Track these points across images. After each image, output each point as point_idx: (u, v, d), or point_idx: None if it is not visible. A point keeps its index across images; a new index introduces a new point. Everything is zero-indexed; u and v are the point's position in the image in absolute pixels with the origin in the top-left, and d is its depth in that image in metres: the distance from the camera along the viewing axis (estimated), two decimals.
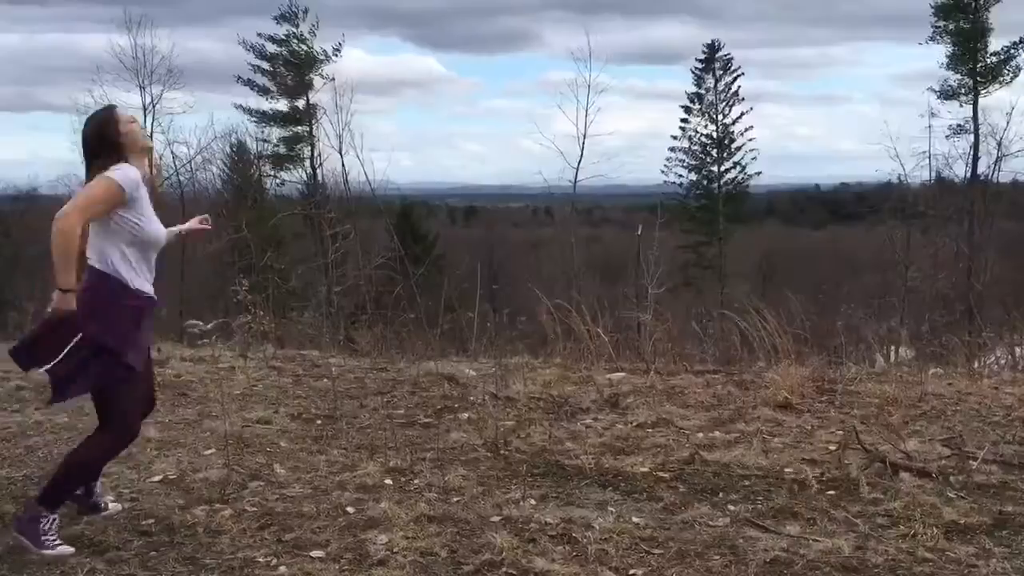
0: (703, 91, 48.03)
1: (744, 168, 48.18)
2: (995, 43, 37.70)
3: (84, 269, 3.75)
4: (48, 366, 3.62)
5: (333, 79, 34.93)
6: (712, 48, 48.19)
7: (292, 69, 37.68)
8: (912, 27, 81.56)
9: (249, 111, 37.87)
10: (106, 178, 3.63)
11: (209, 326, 8.78)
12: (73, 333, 3.59)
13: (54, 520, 3.72)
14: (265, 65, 38.21)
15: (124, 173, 3.66)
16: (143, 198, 3.75)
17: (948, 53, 37.61)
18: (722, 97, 47.97)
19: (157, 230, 3.83)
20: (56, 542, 3.68)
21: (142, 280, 3.79)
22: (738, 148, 48.03)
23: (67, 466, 3.80)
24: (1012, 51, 37.51)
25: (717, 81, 47.95)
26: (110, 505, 4.16)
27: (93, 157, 3.77)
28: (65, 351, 3.59)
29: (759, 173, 48.65)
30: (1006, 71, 37.52)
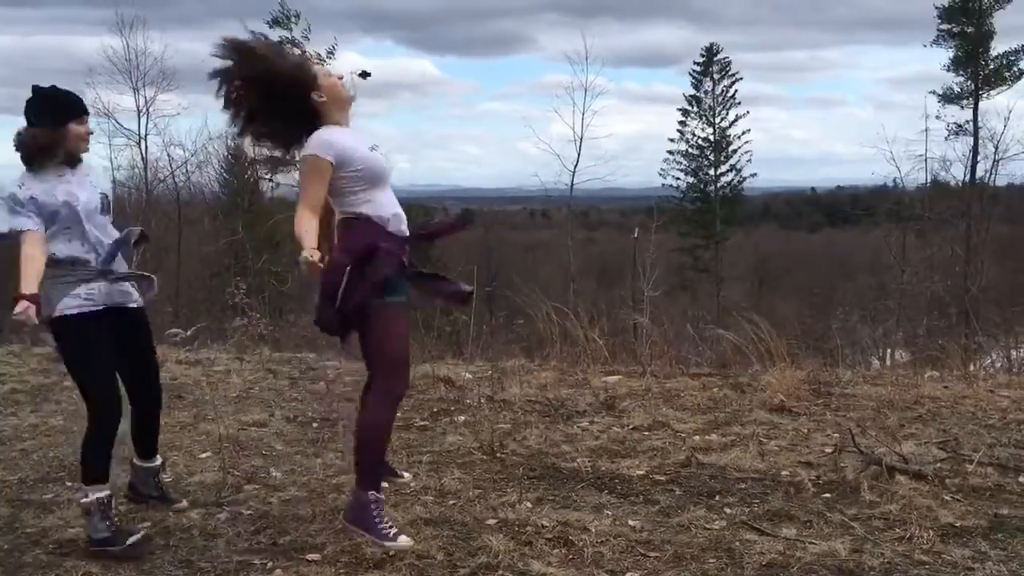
0: (701, 94, 48.14)
1: (740, 171, 48.29)
2: (997, 47, 37.87)
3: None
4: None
5: None
6: (710, 52, 48.31)
7: None
8: (904, 30, 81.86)
9: None
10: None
11: (189, 332, 8.77)
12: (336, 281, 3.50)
13: (380, 503, 3.59)
14: None
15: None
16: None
17: (951, 56, 37.74)
18: (719, 100, 48.09)
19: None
20: (392, 530, 3.56)
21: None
22: (735, 151, 48.15)
23: (358, 439, 3.62)
24: (1014, 55, 37.64)
25: (715, 85, 48.07)
26: (405, 474, 4.20)
27: None
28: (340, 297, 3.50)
29: (755, 175, 48.79)
30: (1008, 75, 37.65)
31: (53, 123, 3.74)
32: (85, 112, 3.88)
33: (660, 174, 48.69)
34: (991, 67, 37.71)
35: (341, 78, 3.72)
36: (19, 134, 3.77)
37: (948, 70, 37.82)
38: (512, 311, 10.13)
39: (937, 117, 35.92)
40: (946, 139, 35.95)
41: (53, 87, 3.85)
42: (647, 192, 51.91)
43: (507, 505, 4.22)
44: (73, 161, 3.83)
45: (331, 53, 38.14)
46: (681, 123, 48.43)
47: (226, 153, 36.36)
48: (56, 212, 3.72)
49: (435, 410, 6.18)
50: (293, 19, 37.78)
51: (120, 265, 3.94)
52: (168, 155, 32.42)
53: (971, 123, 36.34)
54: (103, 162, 32.19)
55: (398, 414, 6.05)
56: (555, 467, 4.84)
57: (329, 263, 3.48)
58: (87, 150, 3.88)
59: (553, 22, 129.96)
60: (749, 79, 49.28)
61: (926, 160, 34.32)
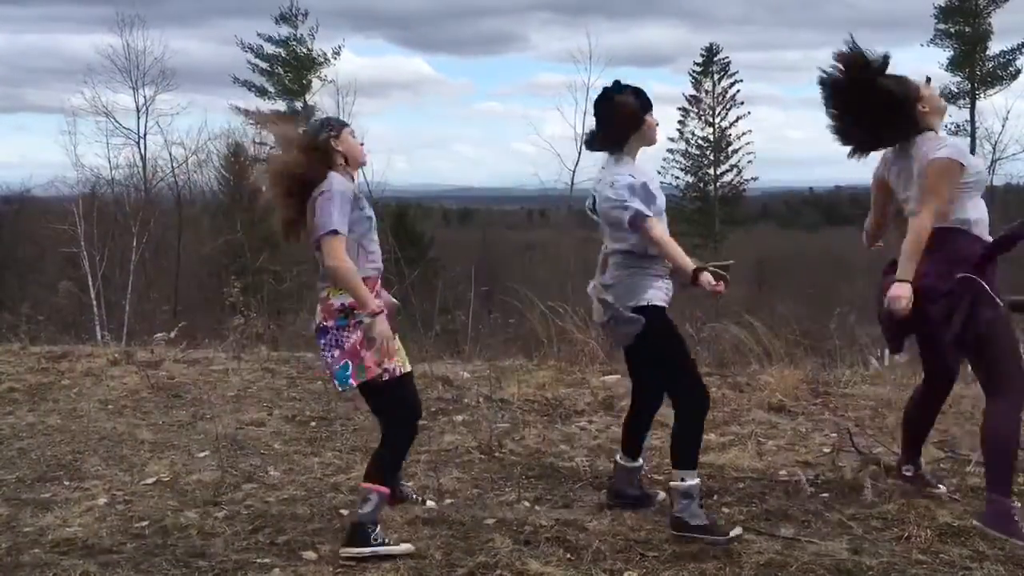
0: (701, 94, 48.18)
1: (740, 171, 48.32)
2: (994, 46, 37.94)
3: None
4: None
5: (333, 81, 35.00)
6: (710, 51, 48.35)
7: (291, 71, 37.67)
8: (897, 31, 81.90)
9: (246, 112, 37.86)
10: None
11: (172, 335, 8.77)
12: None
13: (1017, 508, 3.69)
14: (263, 65, 38.19)
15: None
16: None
17: (949, 56, 37.79)
18: (719, 100, 48.12)
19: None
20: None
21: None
22: (735, 151, 48.17)
23: (990, 448, 3.71)
24: (1011, 55, 37.71)
25: (715, 85, 48.09)
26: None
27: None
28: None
29: (756, 179, 48.81)
30: (1005, 75, 37.70)
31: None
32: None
33: (659, 172, 48.75)
34: (988, 67, 37.79)
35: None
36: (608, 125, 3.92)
37: (945, 70, 37.92)
38: (509, 311, 10.12)
39: None
40: None
41: (623, 85, 3.93)
42: None
43: (505, 504, 4.23)
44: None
45: (337, 53, 38.22)
46: (680, 122, 48.50)
47: (226, 152, 36.37)
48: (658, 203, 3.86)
49: (433, 409, 6.18)
50: (300, 17, 37.72)
51: None
52: (169, 154, 32.40)
53: (968, 123, 36.43)
54: (101, 161, 32.26)
55: None
56: (553, 466, 4.84)
57: (941, 275, 3.63)
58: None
59: (545, 21, 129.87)
60: (744, 78, 49.29)
61: None
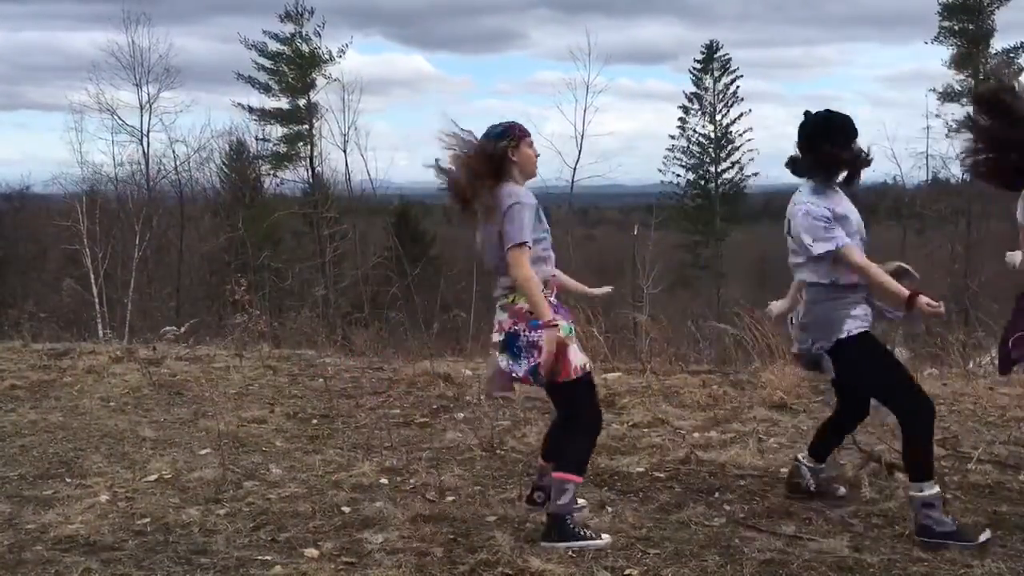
0: (702, 91, 48.12)
1: (742, 168, 48.26)
2: (997, 44, 37.89)
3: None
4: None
5: (339, 79, 34.99)
6: (711, 48, 48.28)
7: (295, 68, 37.64)
8: (898, 27, 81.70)
9: (250, 109, 37.88)
10: None
11: (183, 329, 8.78)
12: None
13: None
14: (267, 63, 38.15)
15: None
16: None
17: (952, 54, 37.74)
18: (720, 97, 48.07)
19: None
20: None
21: None
22: (736, 148, 48.11)
23: None
24: (1014, 53, 37.64)
25: (716, 82, 48.04)
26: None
27: None
28: None
29: (756, 174, 48.72)
30: (1008, 73, 37.62)
31: (845, 142, 3.82)
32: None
33: (660, 170, 48.73)
34: (992, 64, 37.69)
35: None
36: (816, 152, 3.82)
37: (949, 67, 37.86)
38: None
39: (937, 115, 35.99)
40: (946, 136, 36.00)
41: (829, 111, 3.91)
42: (646, 189, 51.90)
43: (507, 502, 4.23)
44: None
45: (343, 51, 38.18)
46: (681, 120, 48.44)
47: (228, 150, 36.41)
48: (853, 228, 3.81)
49: (435, 407, 6.19)
50: (306, 15, 37.62)
51: None
52: (173, 151, 32.42)
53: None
54: (105, 158, 32.29)
55: (397, 411, 6.08)
56: None
57: None
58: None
59: (544, 18, 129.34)
60: (743, 76, 49.17)
61: (927, 158, 34.37)
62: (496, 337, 3.79)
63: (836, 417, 4.27)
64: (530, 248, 3.64)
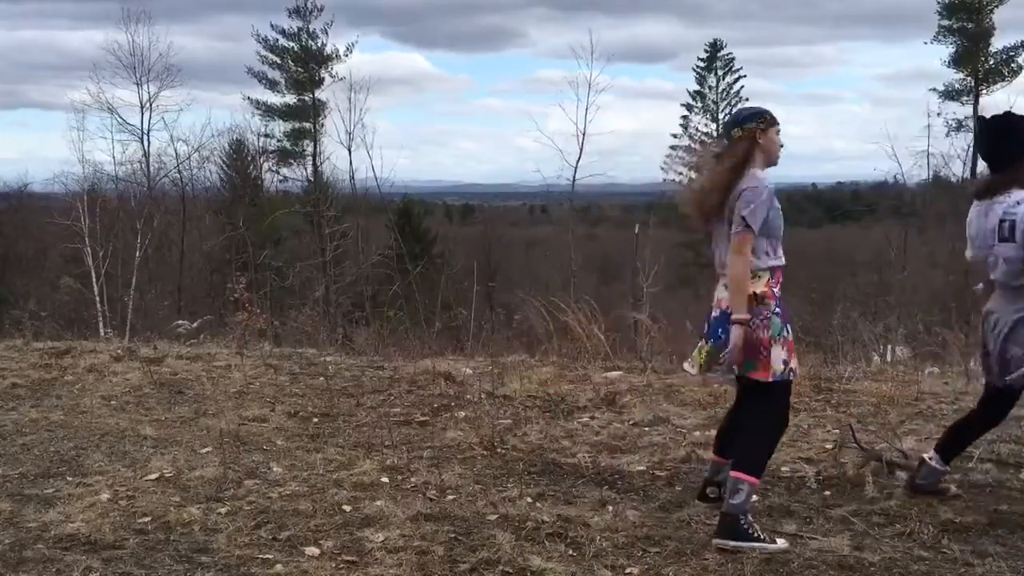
0: (705, 90, 48.14)
1: None
2: (997, 42, 37.85)
3: None
4: None
5: (345, 77, 34.98)
6: (714, 47, 48.30)
7: (302, 64, 37.64)
8: (897, 26, 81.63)
9: (256, 103, 37.88)
10: None
11: (195, 325, 8.78)
12: None
13: None
14: (274, 58, 38.15)
15: None
16: None
17: (952, 53, 37.73)
18: (723, 96, 48.08)
19: None
20: None
21: None
22: None
23: None
24: (1014, 51, 37.63)
25: (720, 81, 48.07)
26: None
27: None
28: None
29: None
30: (1008, 71, 37.64)
31: None
32: None
33: (663, 168, 48.68)
34: (991, 63, 37.70)
35: None
36: None
37: (948, 66, 37.86)
38: (512, 307, 10.13)
39: (938, 114, 36.01)
40: (947, 135, 36.02)
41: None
42: (647, 188, 51.87)
43: (508, 500, 4.23)
44: None
45: (350, 49, 38.18)
46: (684, 118, 48.46)
47: (228, 148, 36.40)
48: None
49: (436, 406, 6.18)
50: (314, 12, 37.55)
51: None
52: (174, 150, 32.40)
53: (972, 119, 36.33)
54: (105, 157, 32.28)
55: (397, 410, 6.08)
56: (555, 463, 4.84)
57: None
58: None
59: (542, 17, 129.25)
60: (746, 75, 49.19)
61: (927, 156, 34.34)
62: (714, 314, 3.75)
63: (972, 419, 4.25)
64: (754, 235, 3.61)
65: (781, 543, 3.62)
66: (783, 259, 3.78)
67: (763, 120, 3.77)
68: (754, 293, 3.63)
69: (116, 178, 32.01)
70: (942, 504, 4.09)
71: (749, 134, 3.74)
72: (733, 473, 3.67)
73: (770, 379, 3.64)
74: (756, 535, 3.60)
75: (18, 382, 6.85)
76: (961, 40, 37.63)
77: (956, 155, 34.85)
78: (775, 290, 3.70)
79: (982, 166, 4.24)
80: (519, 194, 71.86)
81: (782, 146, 3.86)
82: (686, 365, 3.94)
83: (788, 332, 3.70)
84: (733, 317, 3.58)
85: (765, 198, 3.61)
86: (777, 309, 3.66)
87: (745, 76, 48.40)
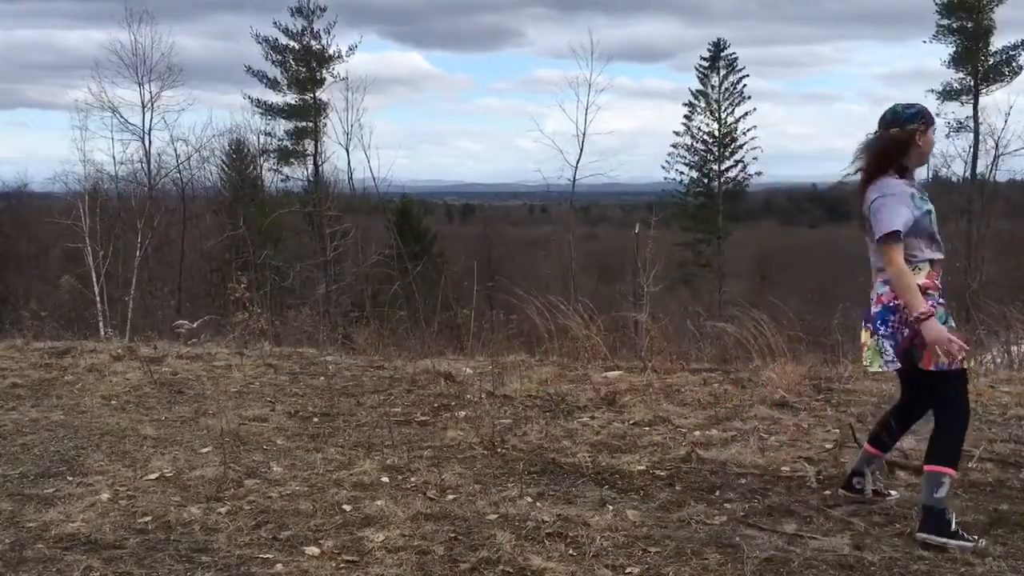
0: (708, 89, 48.17)
1: (746, 167, 48.27)
2: (996, 42, 37.86)
3: None
4: None
5: (345, 78, 34.99)
6: (717, 47, 48.33)
7: (303, 63, 37.67)
8: (896, 26, 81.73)
9: (257, 102, 37.89)
10: None
11: (196, 324, 8.77)
12: None
13: None
14: (276, 56, 38.17)
15: None
16: None
17: (951, 52, 37.72)
18: (726, 96, 48.10)
19: None
20: None
21: None
22: (740, 146, 48.11)
23: None
24: (1013, 51, 37.63)
25: (722, 80, 48.09)
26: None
27: None
28: None
29: (759, 174, 48.74)
30: (1008, 71, 37.64)
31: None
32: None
33: (663, 167, 48.75)
34: (991, 63, 37.70)
35: None
36: None
37: (948, 66, 37.85)
38: (512, 306, 10.13)
39: (937, 114, 35.99)
40: (947, 135, 36.02)
41: None
42: (648, 187, 51.91)
43: (508, 500, 4.23)
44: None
45: (352, 50, 38.19)
46: (686, 117, 48.48)
47: (228, 148, 36.40)
48: None
49: (436, 405, 6.19)
50: (317, 12, 37.55)
51: None
52: (175, 150, 32.37)
53: (971, 119, 36.38)
54: (105, 157, 32.26)
55: (398, 409, 6.08)
56: (556, 462, 4.84)
57: None
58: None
59: (540, 16, 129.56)
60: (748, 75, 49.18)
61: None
62: (874, 309, 3.76)
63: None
64: (901, 235, 3.61)
65: (981, 543, 3.63)
66: (941, 253, 3.80)
67: (924, 120, 3.75)
68: (916, 285, 3.65)
69: (117, 178, 31.99)
70: None
71: (909, 135, 3.72)
72: (929, 468, 3.69)
73: (932, 367, 3.65)
74: (961, 533, 3.62)
75: (18, 382, 6.86)
76: (961, 39, 37.64)
77: (957, 155, 34.90)
78: (936, 281, 3.73)
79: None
80: (519, 194, 71.88)
81: (934, 143, 3.87)
82: (871, 366, 3.90)
83: (952, 322, 3.75)
84: (914, 315, 3.57)
85: (892, 203, 3.63)
86: (940, 300, 3.71)
87: (748, 76, 48.45)
